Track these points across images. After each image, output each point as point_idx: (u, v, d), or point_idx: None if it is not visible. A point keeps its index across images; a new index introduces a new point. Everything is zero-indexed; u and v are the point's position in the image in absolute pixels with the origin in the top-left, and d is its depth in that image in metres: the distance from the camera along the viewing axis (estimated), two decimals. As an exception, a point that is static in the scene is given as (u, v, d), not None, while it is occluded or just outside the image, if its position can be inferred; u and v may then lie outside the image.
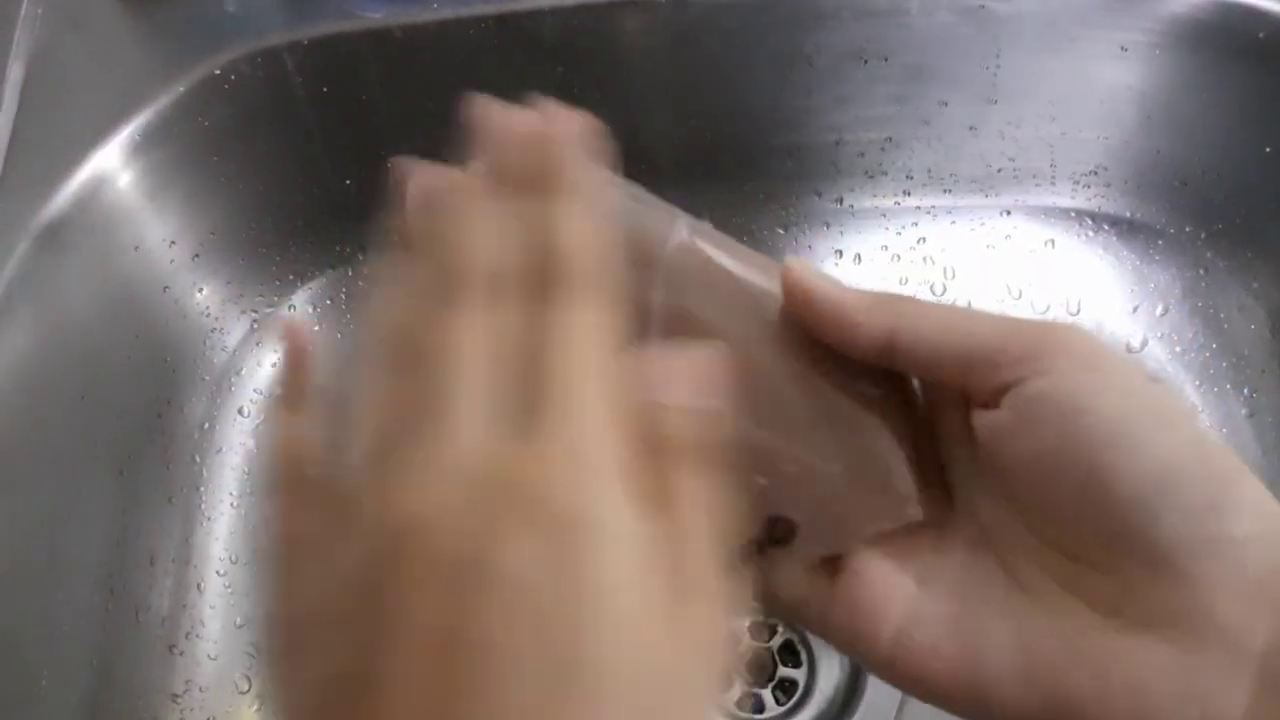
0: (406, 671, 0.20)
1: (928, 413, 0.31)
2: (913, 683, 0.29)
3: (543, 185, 0.24)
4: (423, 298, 0.23)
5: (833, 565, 0.31)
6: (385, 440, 0.22)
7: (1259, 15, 0.58)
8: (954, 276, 0.71)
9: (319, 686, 0.21)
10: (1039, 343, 0.27)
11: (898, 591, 0.30)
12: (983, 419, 0.29)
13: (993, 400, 0.28)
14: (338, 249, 0.72)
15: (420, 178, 0.25)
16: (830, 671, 0.62)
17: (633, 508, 0.21)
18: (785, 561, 0.31)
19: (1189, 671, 0.25)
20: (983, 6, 0.59)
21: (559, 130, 0.24)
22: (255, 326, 0.70)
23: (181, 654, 0.63)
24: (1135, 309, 0.69)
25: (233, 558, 0.66)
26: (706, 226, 0.30)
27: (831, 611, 0.31)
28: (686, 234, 0.29)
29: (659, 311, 0.28)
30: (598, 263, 0.23)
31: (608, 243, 0.24)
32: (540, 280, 0.22)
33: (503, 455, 0.21)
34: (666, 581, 0.21)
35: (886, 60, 0.62)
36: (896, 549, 0.31)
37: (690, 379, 0.24)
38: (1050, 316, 0.70)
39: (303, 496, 0.24)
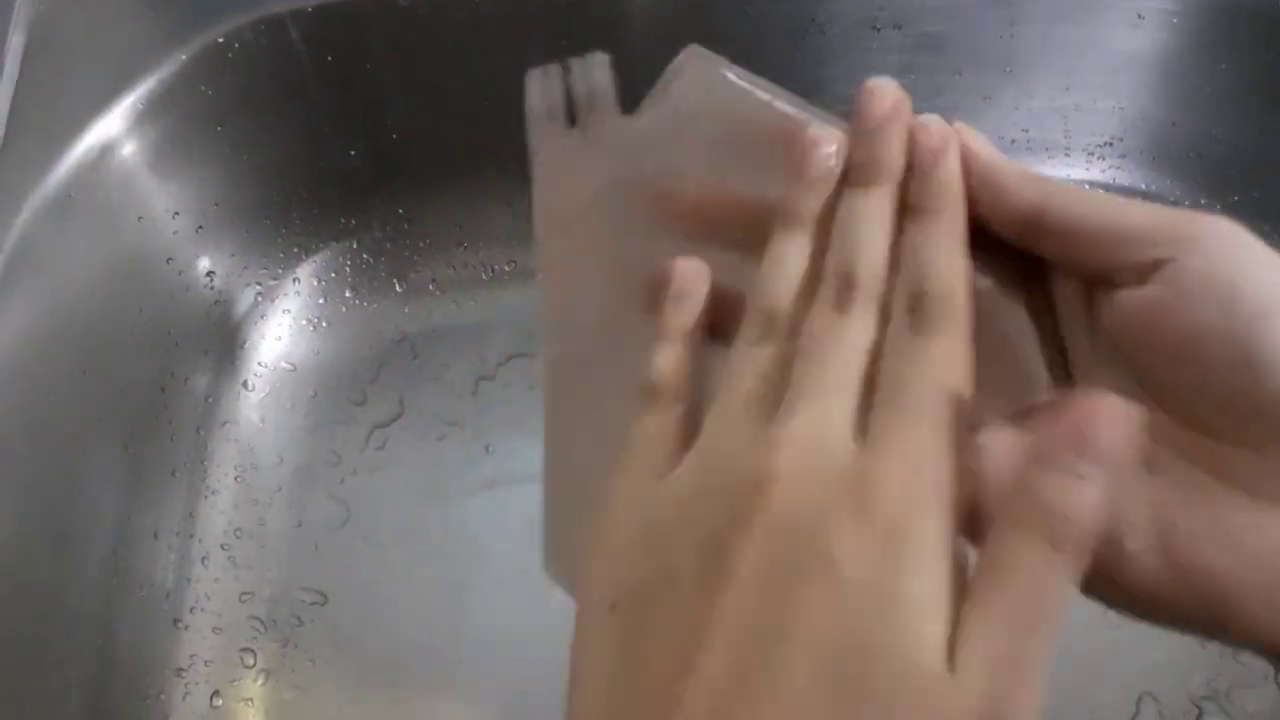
0: (717, 616, 0.22)
1: (1044, 297, 0.31)
2: None
3: (925, 201, 0.28)
4: (812, 281, 0.27)
5: None
6: (751, 398, 0.26)
7: (1279, -17, 0.57)
8: (966, 250, 0.70)
9: (628, 599, 0.25)
10: (1193, 223, 0.27)
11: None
12: (1129, 296, 0.28)
13: (1139, 278, 0.28)
14: (343, 221, 0.71)
15: (819, 147, 0.29)
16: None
17: (955, 544, 0.23)
18: None
19: None
20: (998, -26, 0.59)
21: (944, 144, 0.28)
22: (259, 299, 0.70)
23: (186, 628, 0.63)
24: (1149, 283, 0.69)
25: (236, 531, 0.66)
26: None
27: None
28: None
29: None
30: (965, 301, 0.26)
31: (969, 282, 0.27)
32: (914, 298, 0.26)
33: (851, 449, 0.24)
34: (963, 627, 0.22)
35: (900, 29, 0.61)
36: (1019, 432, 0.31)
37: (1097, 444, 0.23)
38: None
39: (660, 423, 0.28)
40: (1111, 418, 0.24)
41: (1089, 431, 0.23)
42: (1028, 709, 0.22)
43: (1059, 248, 0.29)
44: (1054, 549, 0.23)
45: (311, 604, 0.64)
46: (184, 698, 0.62)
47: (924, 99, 0.66)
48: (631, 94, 0.66)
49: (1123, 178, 0.69)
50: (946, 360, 0.25)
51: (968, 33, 0.62)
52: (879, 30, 0.61)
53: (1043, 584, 0.23)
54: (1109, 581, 0.28)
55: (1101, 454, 0.23)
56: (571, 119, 0.33)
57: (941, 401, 0.25)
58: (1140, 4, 0.60)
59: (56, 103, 0.57)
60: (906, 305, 0.26)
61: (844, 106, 0.67)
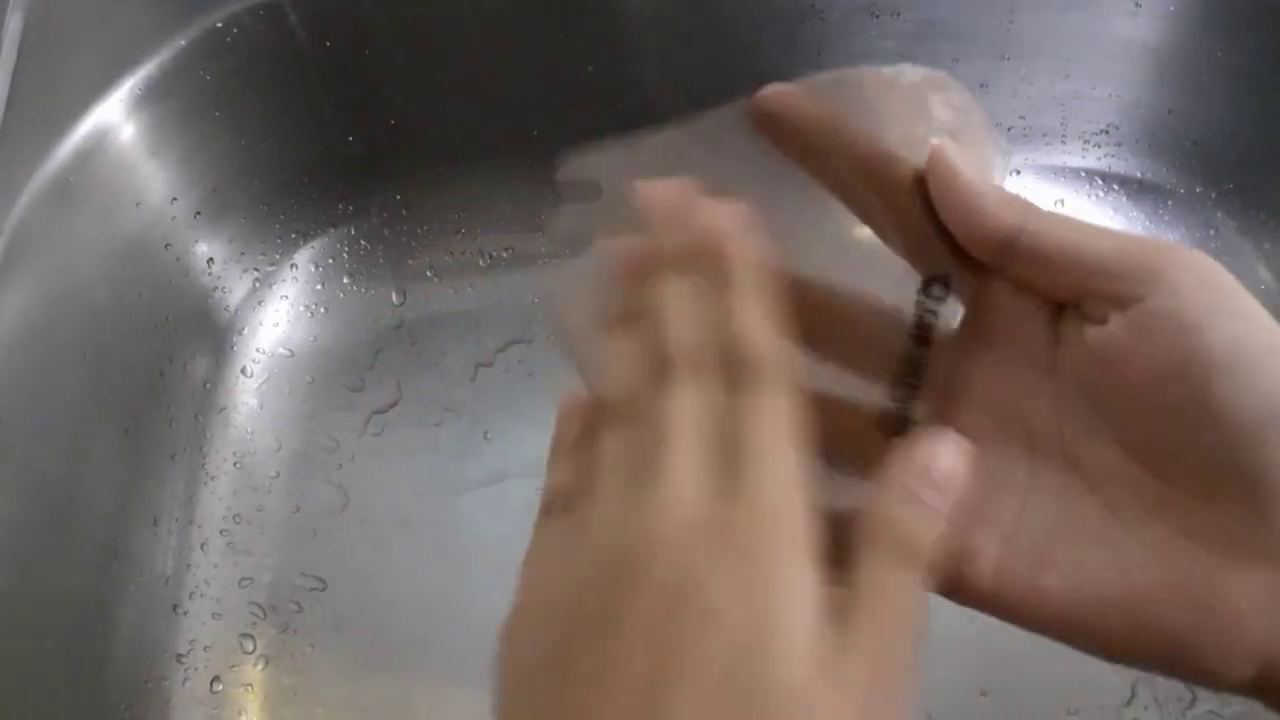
0: (614, 675, 0.24)
1: (1009, 331, 0.32)
2: (1013, 614, 0.30)
3: (720, 275, 0.29)
4: (640, 366, 0.29)
5: None
6: (617, 481, 0.27)
7: (1275, -30, 0.57)
8: (963, 236, 0.71)
9: (538, 668, 0.26)
10: (1162, 260, 0.28)
11: (994, 524, 0.31)
12: (1095, 334, 0.29)
13: (1104, 316, 0.28)
14: (340, 206, 0.71)
15: (621, 250, 0.30)
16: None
17: (815, 571, 0.25)
18: None
19: None
20: (997, -40, 0.59)
21: (726, 221, 0.29)
22: (257, 285, 0.70)
23: (185, 613, 0.63)
24: (1144, 270, 0.69)
25: (235, 517, 0.66)
26: None
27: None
28: None
29: None
30: (777, 351, 0.28)
31: (780, 330, 0.28)
32: (731, 362, 0.27)
33: (711, 507, 0.25)
34: (837, 641, 0.24)
35: (898, 15, 0.62)
36: (989, 480, 0.31)
37: (923, 481, 0.27)
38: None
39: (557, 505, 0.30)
40: (947, 450, 0.27)
41: (927, 462, 0.27)
42: (902, 705, 0.25)
43: (1032, 273, 0.30)
44: (905, 566, 0.26)
45: (310, 589, 0.64)
46: (184, 683, 0.62)
47: (922, 86, 0.66)
48: (632, 81, 0.66)
49: (1119, 165, 0.69)
50: (771, 413, 0.27)
51: (966, 19, 0.62)
52: (877, 16, 0.62)
53: (900, 599, 0.26)
54: (1081, 635, 0.29)
55: (937, 482, 0.27)
56: None
57: (774, 449, 0.26)
58: (1138, -9, 0.60)
59: (55, 87, 0.57)
60: (724, 373, 0.28)
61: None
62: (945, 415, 0.32)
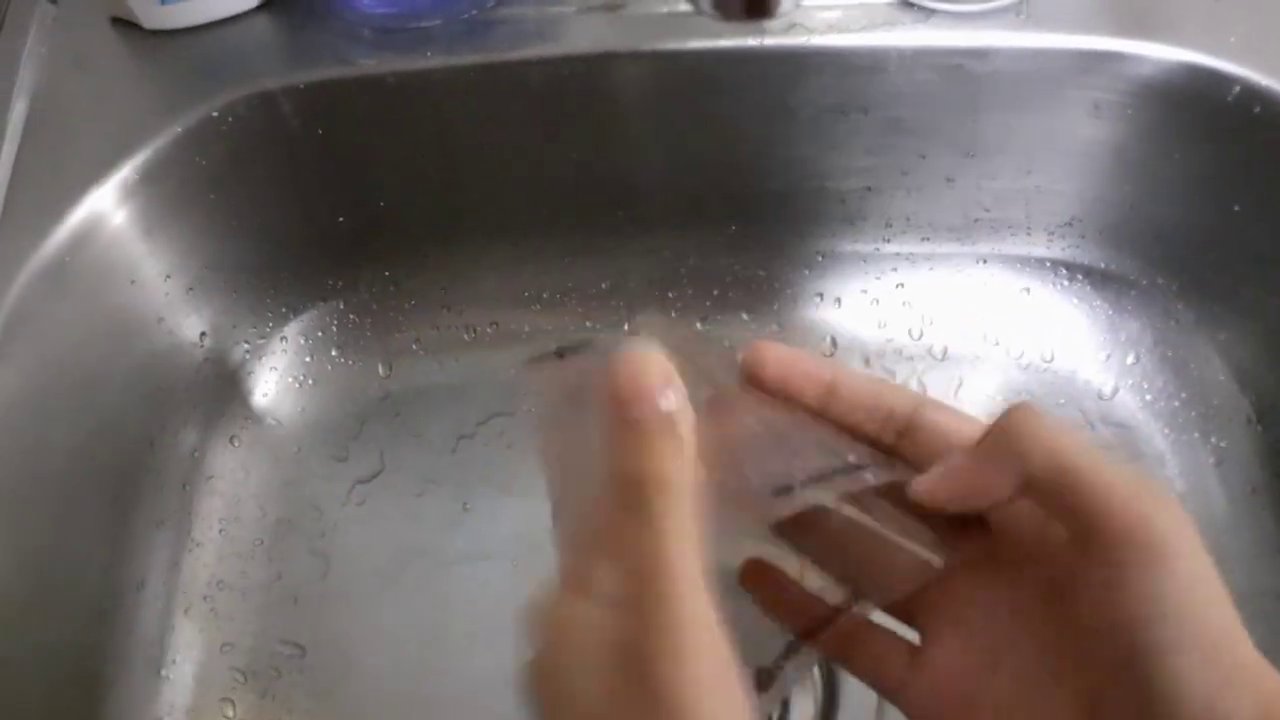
0: None
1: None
2: None
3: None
4: None
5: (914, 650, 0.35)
6: None
7: (1225, 78, 0.59)
8: (932, 322, 0.73)
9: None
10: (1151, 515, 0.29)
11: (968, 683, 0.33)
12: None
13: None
14: (329, 282, 0.73)
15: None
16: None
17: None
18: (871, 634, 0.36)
19: None
20: (960, 66, 0.61)
21: None
22: (248, 357, 0.72)
23: (168, 678, 0.65)
24: (1107, 357, 0.71)
25: (219, 583, 0.67)
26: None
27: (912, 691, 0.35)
28: None
29: None
30: None
31: None
32: None
33: None
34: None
35: (867, 114, 0.64)
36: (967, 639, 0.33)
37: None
38: (1025, 363, 0.71)
39: None
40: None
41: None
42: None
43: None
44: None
45: (289, 656, 0.65)
46: (164, 746, 0.63)
47: (890, 178, 0.69)
48: (614, 170, 0.68)
49: (1082, 256, 0.71)
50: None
51: (930, 119, 0.64)
52: (847, 115, 0.64)
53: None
54: None
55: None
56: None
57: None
58: (1096, 96, 0.62)
59: (56, 170, 0.59)
60: None
61: (814, 183, 0.69)
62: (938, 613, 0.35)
